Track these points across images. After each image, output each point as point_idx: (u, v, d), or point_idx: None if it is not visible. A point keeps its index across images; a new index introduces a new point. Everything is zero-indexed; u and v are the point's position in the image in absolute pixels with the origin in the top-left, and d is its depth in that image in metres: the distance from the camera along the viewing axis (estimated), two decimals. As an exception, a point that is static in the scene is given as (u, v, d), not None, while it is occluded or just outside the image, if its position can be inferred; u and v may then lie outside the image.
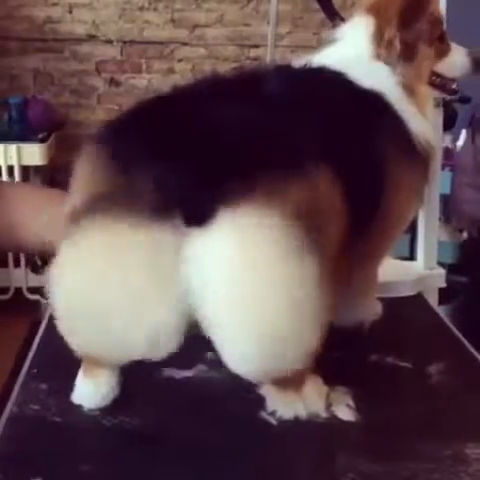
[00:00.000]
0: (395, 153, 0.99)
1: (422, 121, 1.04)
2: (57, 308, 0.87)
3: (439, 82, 1.11)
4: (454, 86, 1.13)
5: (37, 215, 1.13)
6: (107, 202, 0.81)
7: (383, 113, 1.00)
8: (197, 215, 0.79)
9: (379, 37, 1.03)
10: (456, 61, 1.10)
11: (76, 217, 0.83)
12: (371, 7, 1.06)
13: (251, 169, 0.80)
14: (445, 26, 1.09)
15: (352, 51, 1.05)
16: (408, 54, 1.02)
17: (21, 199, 1.16)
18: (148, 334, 0.83)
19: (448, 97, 1.18)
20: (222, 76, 1.00)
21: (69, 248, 0.84)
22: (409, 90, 1.03)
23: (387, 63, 1.03)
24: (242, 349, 0.83)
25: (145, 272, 0.81)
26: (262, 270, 0.80)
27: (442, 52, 1.09)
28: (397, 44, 1.01)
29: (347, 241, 0.89)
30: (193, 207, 0.79)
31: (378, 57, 1.03)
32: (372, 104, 1.00)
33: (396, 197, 0.99)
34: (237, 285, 0.80)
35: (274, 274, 0.80)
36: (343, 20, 1.14)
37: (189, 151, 0.81)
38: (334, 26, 1.12)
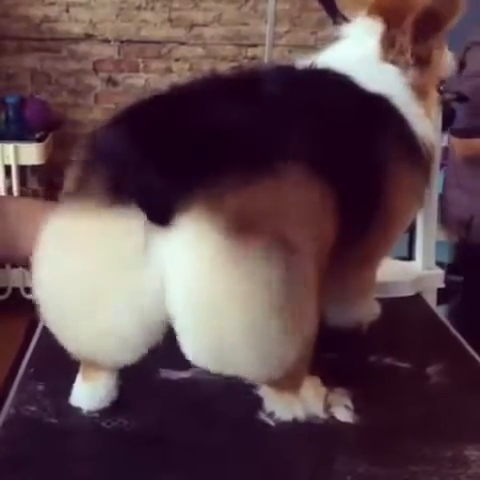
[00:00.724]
0: (398, 156, 0.98)
1: (428, 123, 1.04)
2: (39, 305, 0.87)
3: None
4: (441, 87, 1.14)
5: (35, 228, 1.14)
6: (72, 197, 0.83)
7: (386, 116, 0.99)
8: (157, 214, 0.79)
9: (390, 42, 1.01)
10: (449, 63, 1.10)
11: (49, 220, 0.85)
12: (381, 8, 1.03)
13: (213, 171, 0.79)
14: None
15: (359, 52, 1.03)
16: (421, 62, 1.01)
17: (19, 212, 1.16)
18: (114, 335, 0.83)
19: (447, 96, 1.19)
20: (219, 76, 0.99)
21: (39, 244, 0.85)
22: (420, 93, 1.03)
23: (397, 66, 1.02)
24: (193, 353, 0.82)
25: (105, 268, 0.81)
26: (218, 277, 0.78)
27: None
28: (408, 53, 0.99)
29: (339, 244, 0.88)
30: (156, 207, 0.79)
31: (387, 60, 1.02)
32: (375, 107, 0.98)
33: (396, 199, 0.99)
34: (194, 290, 0.79)
35: (229, 281, 0.78)
36: (345, 19, 1.11)
37: (159, 150, 0.81)
38: (335, 24, 1.10)
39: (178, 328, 0.81)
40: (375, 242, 1.00)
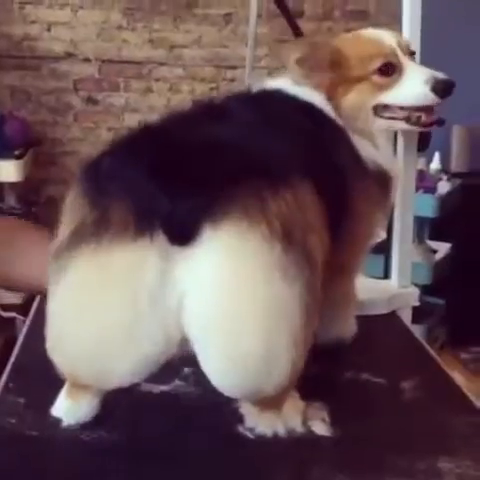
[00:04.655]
0: (352, 168, 1.03)
1: (364, 144, 1.08)
2: (49, 339, 0.87)
3: (400, 114, 1.10)
4: (423, 118, 1.10)
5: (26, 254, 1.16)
6: (86, 233, 0.82)
7: (334, 131, 1.05)
8: (180, 234, 0.80)
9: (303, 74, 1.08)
10: (406, 90, 1.08)
11: (58, 253, 0.85)
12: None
13: (232, 188, 0.81)
14: (390, 58, 1.07)
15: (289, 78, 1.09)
16: (328, 94, 1.06)
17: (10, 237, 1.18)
18: (133, 365, 0.84)
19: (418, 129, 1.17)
20: (185, 108, 1.01)
21: (54, 285, 0.85)
22: (344, 122, 1.07)
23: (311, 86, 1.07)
24: (224, 368, 0.83)
25: (127, 301, 0.81)
26: (246, 290, 0.80)
27: (384, 85, 1.08)
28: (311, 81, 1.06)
29: (327, 256, 0.91)
30: (175, 226, 0.80)
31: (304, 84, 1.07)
32: (322, 123, 1.04)
33: (358, 210, 1.03)
34: (221, 304, 0.81)
35: (257, 294, 0.80)
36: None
37: (170, 173, 0.82)
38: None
39: (204, 346, 0.82)
40: (345, 249, 1.03)
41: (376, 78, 1.08)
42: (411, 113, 1.10)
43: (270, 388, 0.85)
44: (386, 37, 1.10)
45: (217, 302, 0.81)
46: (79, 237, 0.82)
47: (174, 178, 0.81)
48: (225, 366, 0.83)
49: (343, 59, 1.07)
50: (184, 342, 0.83)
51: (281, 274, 0.80)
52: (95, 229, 0.81)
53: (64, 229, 0.86)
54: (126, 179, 0.82)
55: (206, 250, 0.79)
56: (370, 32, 1.13)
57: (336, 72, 1.07)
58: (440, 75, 1.07)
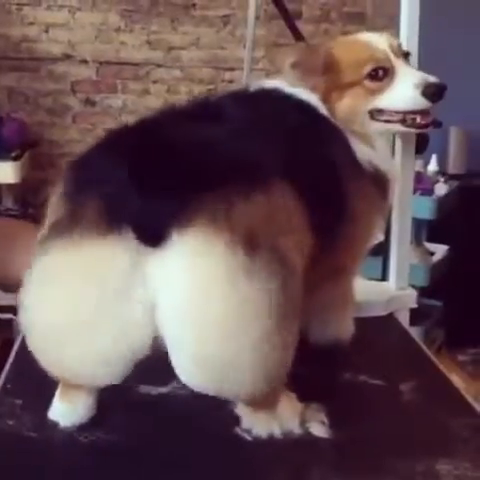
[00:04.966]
0: (348, 169, 1.03)
1: (361, 145, 1.08)
2: (24, 330, 0.88)
3: (395, 117, 1.10)
4: (418, 120, 1.10)
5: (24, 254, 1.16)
6: (61, 227, 0.83)
7: (330, 131, 1.05)
8: (150, 234, 0.80)
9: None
10: (397, 95, 1.08)
11: (38, 247, 0.86)
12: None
13: (201, 191, 0.81)
14: (382, 63, 1.08)
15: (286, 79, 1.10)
16: (323, 97, 1.07)
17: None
18: (103, 360, 0.84)
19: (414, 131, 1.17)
20: (179, 105, 1.01)
21: (29, 277, 0.86)
22: (343, 125, 1.07)
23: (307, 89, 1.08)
24: (191, 366, 0.84)
25: (96, 292, 0.82)
26: (213, 293, 0.80)
27: (375, 90, 1.08)
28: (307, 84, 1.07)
29: (313, 256, 0.91)
30: (146, 225, 0.80)
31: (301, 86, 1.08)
32: (318, 122, 1.05)
33: (356, 211, 1.03)
34: (190, 308, 0.81)
35: (224, 297, 0.80)
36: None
37: (148, 172, 0.82)
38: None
39: (174, 346, 0.82)
40: (343, 251, 1.03)
41: (368, 83, 1.08)
42: (406, 116, 1.11)
43: (245, 389, 0.85)
44: (378, 41, 1.10)
45: (185, 304, 0.81)
46: (54, 231, 0.84)
47: (150, 179, 0.82)
48: (192, 366, 0.84)
49: (336, 64, 1.08)
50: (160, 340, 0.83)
51: (246, 277, 0.80)
52: (68, 223, 0.82)
53: (46, 223, 0.87)
54: (104, 178, 0.83)
55: (175, 253, 0.80)
56: (362, 36, 1.13)
57: (329, 77, 1.07)
58: (431, 78, 1.08)
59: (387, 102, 1.09)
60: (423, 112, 1.10)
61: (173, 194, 0.81)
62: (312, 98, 1.06)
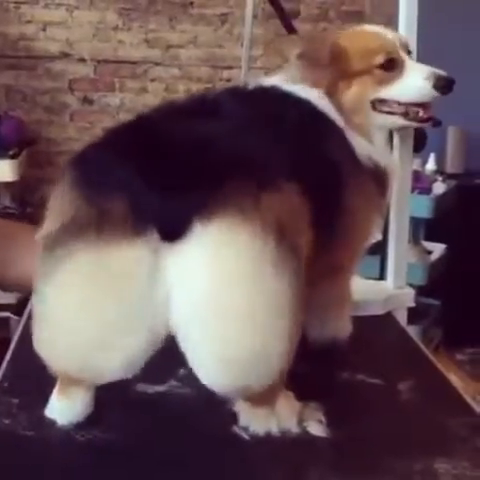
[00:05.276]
0: (347, 166, 1.03)
1: (361, 141, 1.08)
2: (36, 333, 0.87)
3: (397, 109, 1.11)
4: (421, 113, 1.12)
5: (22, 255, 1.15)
6: (82, 229, 0.81)
7: (329, 128, 1.05)
8: (171, 231, 0.80)
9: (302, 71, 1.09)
10: (407, 86, 1.10)
11: (50, 245, 0.84)
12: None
13: (224, 184, 0.81)
14: (393, 54, 1.09)
15: (284, 75, 1.10)
16: (328, 89, 1.07)
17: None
18: (124, 359, 0.85)
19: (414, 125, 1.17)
20: (177, 101, 1.01)
21: (45, 277, 0.85)
22: (343, 117, 1.07)
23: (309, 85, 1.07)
24: (215, 365, 0.84)
25: (120, 299, 0.82)
26: (238, 284, 0.80)
27: (385, 80, 1.09)
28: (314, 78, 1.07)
29: (311, 254, 0.91)
30: (167, 223, 0.80)
31: (302, 81, 1.08)
32: (317, 120, 1.05)
33: (354, 209, 1.03)
34: (213, 299, 0.81)
35: (250, 287, 0.80)
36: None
37: (160, 169, 0.82)
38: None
39: (192, 341, 0.82)
40: (341, 249, 1.03)
41: (379, 72, 1.09)
42: (409, 108, 1.12)
43: (260, 384, 0.86)
44: (387, 33, 1.12)
45: (205, 298, 0.81)
46: (75, 232, 0.82)
47: (162, 174, 0.81)
48: (215, 364, 0.83)
49: (344, 52, 1.08)
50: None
51: (272, 269, 0.80)
52: (90, 226, 0.81)
53: (53, 220, 0.85)
54: (116, 174, 0.82)
55: (195, 245, 0.80)
56: (372, 28, 1.14)
57: (337, 66, 1.07)
58: (440, 72, 1.10)
59: (396, 92, 1.10)
60: (425, 106, 1.12)
61: (191, 187, 0.80)
62: (311, 95, 1.06)
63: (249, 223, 0.80)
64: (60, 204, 0.86)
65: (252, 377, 0.84)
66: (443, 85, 1.09)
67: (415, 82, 1.10)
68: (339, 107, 1.07)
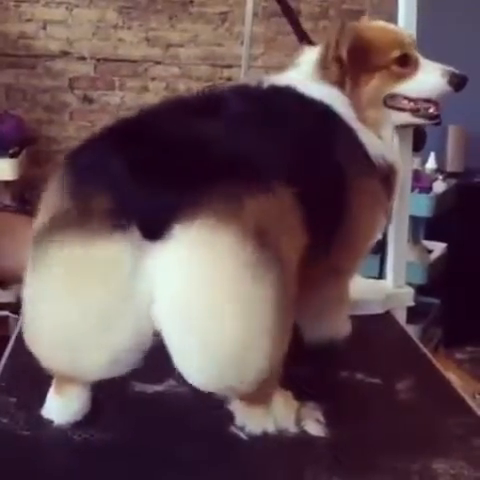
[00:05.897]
0: (354, 167, 1.03)
1: (375, 140, 1.08)
2: (25, 327, 0.87)
3: (407, 106, 1.13)
4: (432, 110, 1.14)
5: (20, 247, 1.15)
6: (67, 223, 0.82)
7: (338, 129, 1.05)
8: (152, 229, 0.80)
9: (321, 66, 1.09)
10: (424, 82, 1.12)
11: (38, 239, 0.85)
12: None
13: (210, 187, 0.81)
14: (409, 50, 1.11)
15: (297, 72, 1.11)
16: (343, 82, 1.07)
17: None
18: (110, 356, 0.84)
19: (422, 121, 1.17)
20: (183, 97, 1.01)
21: (31, 270, 0.85)
22: (357, 112, 1.07)
23: (328, 83, 1.08)
24: (195, 363, 0.83)
25: (103, 292, 0.82)
26: (215, 286, 0.80)
27: (401, 75, 1.10)
28: (333, 72, 1.08)
29: (308, 256, 0.90)
30: (148, 221, 0.80)
31: (319, 78, 1.08)
32: (327, 120, 1.04)
33: (359, 211, 1.02)
34: (191, 300, 0.80)
35: (227, 291, 0.80)
36: (311, 43, 1.23)
37: (151, 167, 0.82)
38: (302, 47, 1.18)
39: (175, 339, 0.82)
40: (344, 251, 1.03)
41: (395, 68, 1.10)
42: (421, 104, 1.13)
43: (243, 383, 0.85)
44: (401, 29, 1.15)
45: (184, 297, 0.81)
46: (59, 226, 0.83)
47: (152, 173, 0.81)
48: (195, 362, 0.83)
49: (366, 46, 1.08)
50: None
51: (251, 272, 0.80)
52: (74, 220, 0.82)
53: (43, 215, 0.86)
54: (106, 171, 0.82)
55: (176, 245, 0.80)
56: (384, 23, 1.15)
57: (359, 58, 1.07)
58: (454, 70, 1.12)
59: (412, 88, 1.11)
60: (436, 103, 1.14)
61: (176, 188, 0.80)
62: (327, 94, 1.05)
63: (229, 227, 0.79)
64: (50, 199, 0.87)
65: (232, 375, 0.84)
66: (458, 82, 1.11)
67: (432, 78, 1.12)
68: (357, 101, 1.07)
